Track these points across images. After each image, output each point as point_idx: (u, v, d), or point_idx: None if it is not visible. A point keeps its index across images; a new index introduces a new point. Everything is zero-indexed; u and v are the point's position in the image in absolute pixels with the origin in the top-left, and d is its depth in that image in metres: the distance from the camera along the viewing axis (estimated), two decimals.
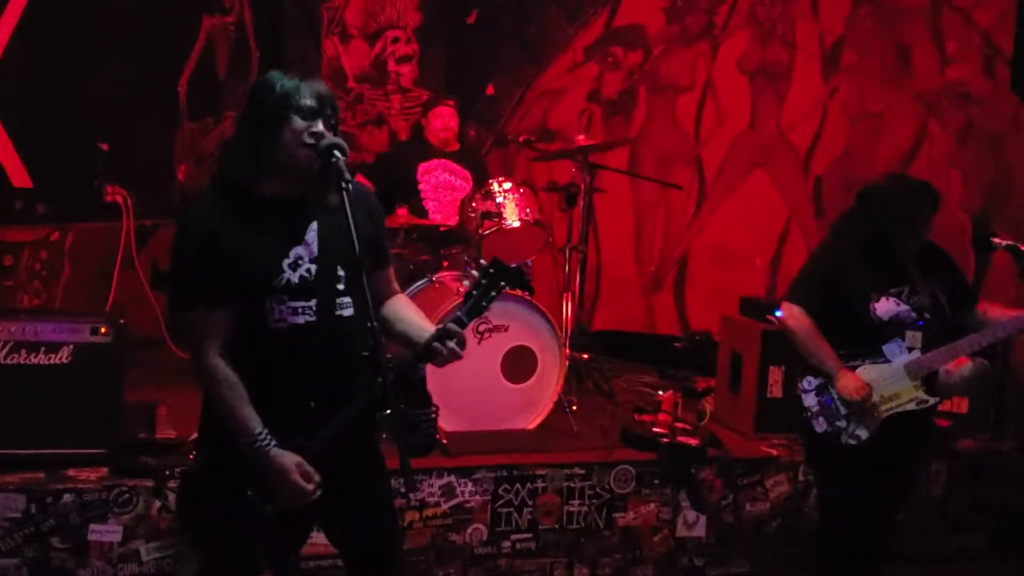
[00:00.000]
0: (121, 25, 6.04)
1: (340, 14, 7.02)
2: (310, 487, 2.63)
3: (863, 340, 3.78)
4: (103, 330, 4.21)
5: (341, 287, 2.70)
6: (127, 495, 4.10)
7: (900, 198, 3.73)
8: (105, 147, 5.97)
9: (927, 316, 3.76)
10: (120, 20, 6.03)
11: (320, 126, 2.63)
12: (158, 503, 4.13)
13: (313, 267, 2.68)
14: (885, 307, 3.74)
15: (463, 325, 2.69)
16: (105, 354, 4.21)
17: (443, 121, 5.98)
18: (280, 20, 6.90)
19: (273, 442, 2.63)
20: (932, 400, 3.78)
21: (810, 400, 3.86)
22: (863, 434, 3.75)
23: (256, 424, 2.63)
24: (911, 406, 3.75)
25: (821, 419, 3.82)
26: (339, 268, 2.70)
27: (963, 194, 6.67)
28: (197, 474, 2.85)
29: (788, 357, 5.16)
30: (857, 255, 3.78)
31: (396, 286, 3.00)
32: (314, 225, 2.69)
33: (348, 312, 2.71)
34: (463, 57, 7.14)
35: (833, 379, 3.77)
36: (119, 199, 5.99)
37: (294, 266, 2.66)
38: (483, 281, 2.71)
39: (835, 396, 3.78)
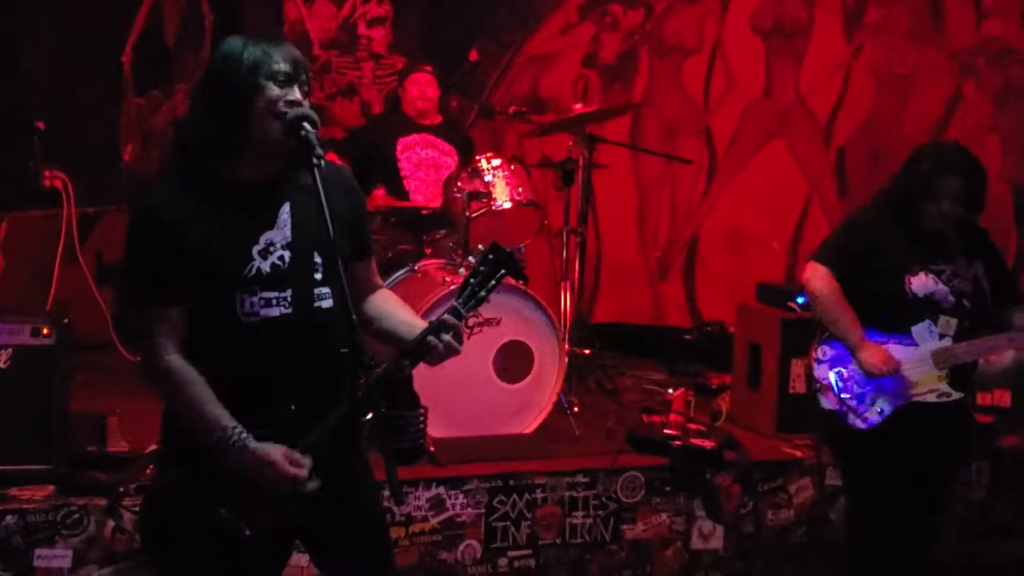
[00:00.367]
0: None
1: None
2: (303, 473, 2.62)
3: (892, 317, 3.80)
4: (45, 331, 4.20)
5: (318, 276, 2.69)
6: (77, 515, 4.10)
7: (925, 159, 3.77)
8: (41, 126, 5.98)
9: (966, 303, 3.79)
10: None
11: (297, 93, 2.63)
12: (112, 523, 4.13)
13: (287, 253, 2.67)
14: (922, 283, 3.77)
15: (460, 317, 2.68)
16: (48, 358, 4.19)
17: (419, 88, 5.99)
18: None
19: (247, 434, 2.62)
20: (955, 395, 3.80)
21: (822, 372, 3.90)
22: (873, 418, 3.79)
23: (227, 419, 2.60)
24: (931, 397, 3.79)
25: (830, 394, 3.86)
26: (316, 255, 2.69)
27: (1003, 163, 6.73)
28: (162, 490, 2.85)
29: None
30: (895, 223, 3.80)
31: (379, 279, 3.00)
32: (286, 207, 2.68)
33: (327, 303, 2.70)
34: (442, 19, 7.15)
35: (856, 350, 3.79)
36: (58, 184, 5.98)
37: (265, 253, 2.65)
38: (481, 268, 2.71)
39: (850, 371, 3.82)
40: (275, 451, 2.60)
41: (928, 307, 3.78)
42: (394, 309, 2.90)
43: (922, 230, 3.79)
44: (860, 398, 3.83)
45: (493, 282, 2.71)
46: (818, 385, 3.91)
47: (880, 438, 3.80)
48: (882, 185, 3.97)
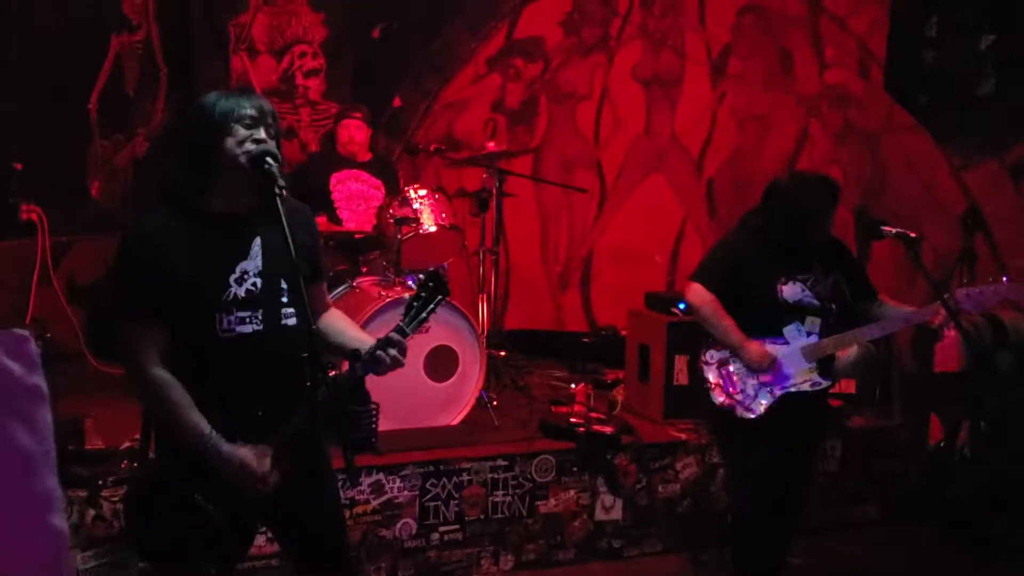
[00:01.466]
0: (30, 44, 5.90)
1: (247, 31, 6.94)
2: (266, 469, 2.63)
3: (765, 320, 3.84)
4: None
5: (285, 299, 2.72)
6: None
7: (805, 193, 3.82)
8: (19, 167, 5.83)
9: (829, 305, 3.85)
10: (29, 40, 5.89)
11: (262, 133, 2.64)
12: (92, 512, 4.05)
13: (259, 280, 2.69)
14: (791, 291, 3.82)
15: (405, 335, 2.73)
16: None
17: (348, 133, 5.98)
18: (187, 38, 6.81)
19: (222, 439, 2.62)
20: (825, 382, 3.86)
21: (711, 373, 3.92)
22: (758, 408, 3.82)
23: (205, 425, 2.62)
24: (805, 387, 3.84)
25: (719, 391, 3.89)
26: (282, 280, 2.72)
27: (844, 190, 6.90)
28: (143, 481, 2.82)
29: (693, 346, 5.30)
30: (763, 245, 3.85)
31: (328, 300, 3.05)
32: (258, 240, 2.70)
33: (292, 321, 2.73)
34: (370, 70, 7.11)
35: (738, 350, 3.83)
36: (34, 217, 5.85)
37: (240, 280, 2.67)
38: (422, 293, 2.76)
39: (734, 370, 3.86)
40: (246, 451, 2.61)
41: (797, 311, 3.83)
42: (345, 327, 2.93)
43: (788, 247, 3.84)
44: (745, 393, 3.86)
45: (432, 306, 2.76)
46: (709, 384, 3.93)
47: (761, 424, 3.84)
48: (747, 210, 4.02)
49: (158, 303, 2.61)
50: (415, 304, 2.76)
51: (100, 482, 4.10)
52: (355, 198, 5.91)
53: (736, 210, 7.41)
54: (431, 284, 2.77)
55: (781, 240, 3.84)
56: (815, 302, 3.84)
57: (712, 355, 3.95)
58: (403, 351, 2.73)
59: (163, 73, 6.79)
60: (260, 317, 2.67)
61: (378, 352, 2.70)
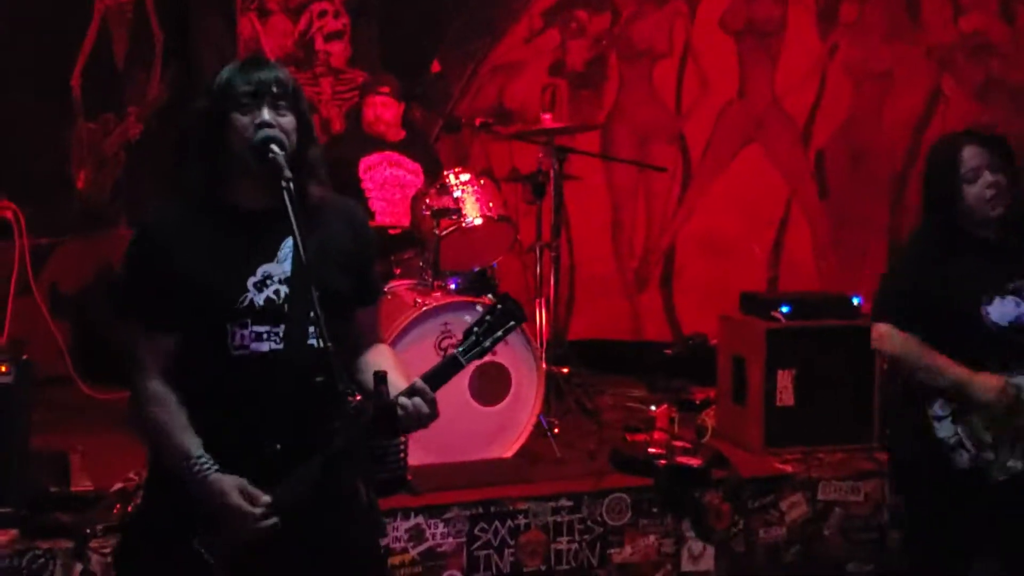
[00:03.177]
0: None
1: None
2: (256, 511, 2.65)
3: (979, 357, 3.51)
4: (2, 369, 4.20)
5: (311, 314, 2.63)
6: (42, 559, 4.08)
7: (934, 154, 3.68)
8: None
9: None
10: None
11: (266, 114, 2.66)
12: (80, 566, 4.10)
13: (284, 289, 2.69)
14: (1002, 311, 3.51)
15: (459, 367, 2.67)
16: (6, 396, 4.19)
17: (373, 112, 6.04)
18: None
19: (215, 467, 2.65)
20: None
21: (946, 429, 3.56)
22: (1017, 464, 3.51)
23: (195, 447, 2.64)
24: None
25: (963, 453, 3.54)
26: (314, 291, 2.63)
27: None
28: (134, 526, 2.88)
29: (799, 359, 5.31)
30: (944, 248, 3.58)
31: (380, 331, 2.97)
32: (288, 241, 2.68)
33: (315, 342, 2.67)
34: (402, 30, 7.17)
35: (966, 386, 3.49)
36: (8, 215, 5.95)
37: (261, 285, 2.67)
38: (488, 318, 2.70)
39: (975, 421, 3.52)
40: (229, 482, 2.62)
41: (1017, 335, 3.51)
42: (381, 366, 2.79)
43: (981, 245, 3.56)
44: (992, 449, 3.54)
45: (500, 333, 2.69)
46: (946, 446, 3.57)
47: (1008, 490, 3.53)
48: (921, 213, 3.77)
49: (162, 308, 2.65)
50: (476, 330, 2.69)
51: (88, 530, 4.15)
52: (390, 186, 5.96)
53: (853, 188, 7.44)
54: (500, 307, 2.71)
55: (962, 236, 3.57)
56: None
57: (942, 405, 3.58)
58: (430, 402, 2.64)
59: (158, 40, 6.91)
60: (280, 335, 2.67)
61: (400, 399, 2.63)
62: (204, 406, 2.69)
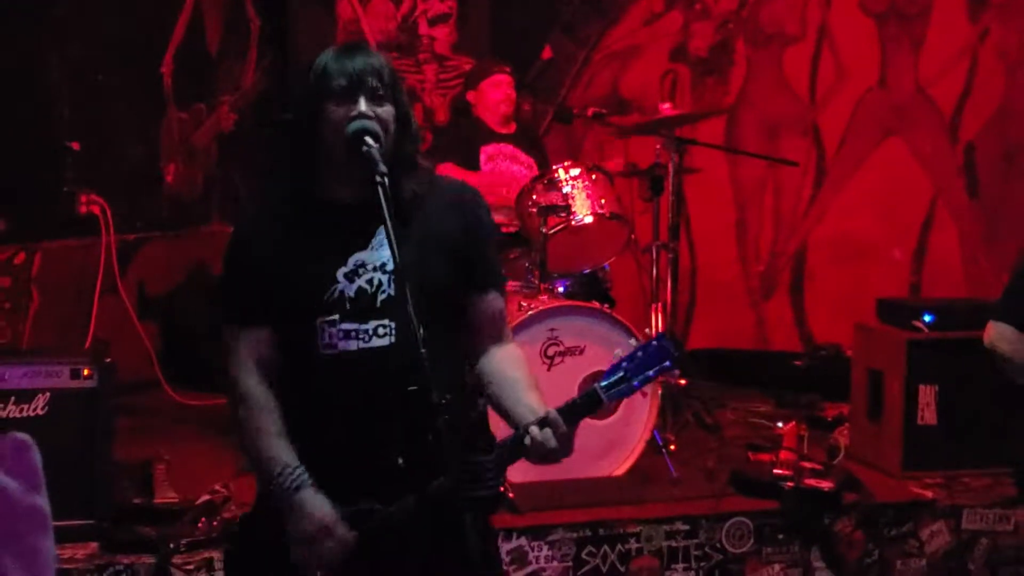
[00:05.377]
0: None
1: None
2: (336, 539, 2.64)
3: None
4: (86, 372, 4.28)
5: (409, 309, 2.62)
6: (123, 575, 4.18)
7: None
8: (76, 146, 6.09)
9: None
10: None
11: (363, 105, 2.66)
12: None
13: (377, 276, 2.70)
14: None
15: (600, 404, 2.65)
16: (89, 402, 4.27)
17: (503, 91, 6.01)
18: None
19: (307, 480, 2.65)
20: None
21: None
22: None
23: (286, 457, 2.66)
24: None
25: None
26: (408, 295, 2.61)
27: None
28: (238, 537, 2.94)
29: (943, 373, 5.20)
30: None
31: (506, 327, 2.92)
32: (383, 231, 2.64)
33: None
34: (511, 13, 7.22)
35: None
36: (95, 209, 6.09)
37: (352, 276, 2.70)
38: (639, 353, 2.68)
39: None
40: (319, 507, 2.63)
41: None
42: (511, 374, 2.80)
43: None
44: None
45: (651, 373, 2.67)
46: None
47: None
48: None
49: (257, 306, 2.72)
50: (625, 365, 2.66)
51: (172, 545, 4.23)
52: (508, 180, 5.94)
53: (1007, 187, 7.29)
54: (654, 343, 2.69)
55: None
56: None
57: None
58: (566, 441, 2.61)
59: (254, 26, 7.04)
60: (370, 332, 2.69)
61: (531, 430, 2.60)
62: (300, 412, 2.73)
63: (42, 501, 2.20)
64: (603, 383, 2.65)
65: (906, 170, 7.41)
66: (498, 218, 5.65)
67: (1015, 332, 3.70)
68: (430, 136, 6.91)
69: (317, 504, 2.64)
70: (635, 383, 2.65)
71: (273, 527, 2.71)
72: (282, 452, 2.68)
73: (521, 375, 2.80)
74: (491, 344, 2.86)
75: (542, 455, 2.62)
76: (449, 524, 2.59)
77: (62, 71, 6.04)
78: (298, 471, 2.66)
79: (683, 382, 6.02)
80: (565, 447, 2.62)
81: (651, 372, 2.65)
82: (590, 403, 2.65)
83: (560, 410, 2.63)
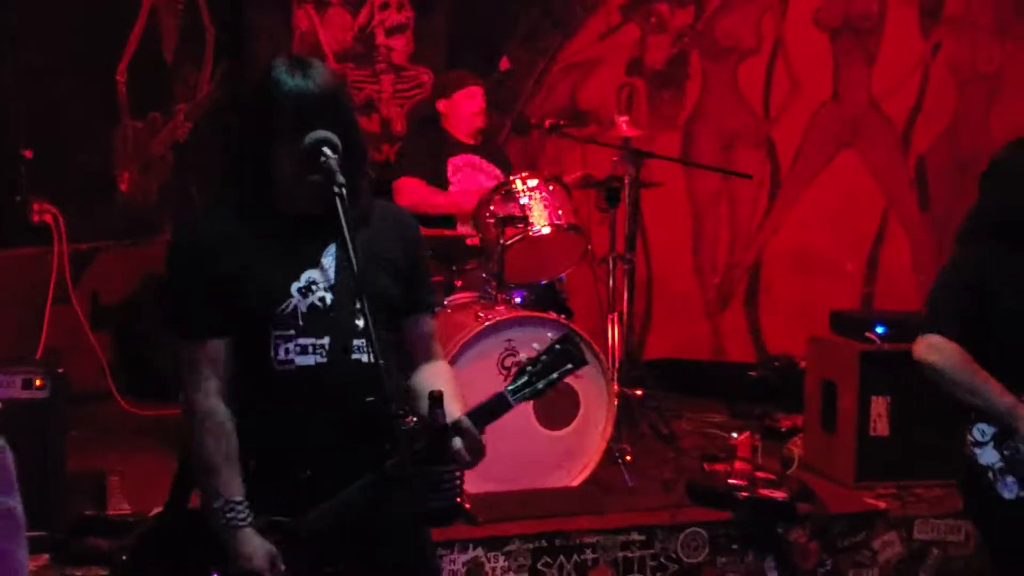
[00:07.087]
0: (38, 2, 6.11)
1: None
2: None
3: None
4: (38, 382, 4.24)
5: (359, 323, 2.69)
6: None
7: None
8: (29, 154, 6.04)
9: None
10: None
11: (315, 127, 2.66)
12: None
13: (328, 296, 2.71)
14: None
15: (508, 407, 2.70)
16: (41, 412, 4.24)
17: (476, 103, 5.99)
18: None
19: (248, 519, 2.65)
20: None
21: (989, 456, 3.57)
22: None
23: (233, 487, 2.66)
24: None
25: (1010, 480, 3.54)
26: (358, 303, 2.68)
27: None
28: (152, 536, 2.92)
29: (896, 385, 5.24)
30: (1003, 256, 3.60)
31: (437, 346, 2.98)
32: (332, 248, 2.72)
33: (365, 357, 2.70)
34: (469, 24, 7.21)
35: (1015, 418, 3.49)
36: (48, 218, 6.05)
37: (305, 292, 2.70)
38: (543, 357, 2.73)
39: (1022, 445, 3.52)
40: (258, 546, 2.64)
41: None
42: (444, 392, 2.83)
43: None
44: None
45: (555, 376, 2.73)
46: (991, 473, 3.57)
47: None
48: (965, 221, 3.81)
49: (208, 317, 2.68)
50: (529, 368, 2.72)
51: (124, 557, 4.19)
52: (475, 192, 5.91)
53: (958, 199, 7.34)
54: (558, 347, 2.74)
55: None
56: None
57: (983, 431, 3.60)
58: (475, 448, 2.68)
59: (209, 34, 7.00)
60: (326, 347, 2.69)
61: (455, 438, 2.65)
62: (248, 425, 2.71)
63: (15, 503, 2.15)
64: (510, 387, 2.71)
65: (859, 183, 7.46)
66: (465, 230, 5.68)
67: (943, 339, 3.57)
68: (386, 147, 6.91)
69: (255, 545, 2.65)
70: (539, 385, 2.72)
71: (179, 547, 2.72)
72: (230, 483, 2.66)
73: (448, 389, 2.80)
74: (422, 361, 2.91)
75: (460, 460, 2.68)
76: (394, 516, 2.67)
77: (15, 78, 5.98)
78: (239, 508, 2.65)
79: (639, 392, 6.05)
80: (479, 453, 2.69)
81: (555, 375, 2.72)
82: (497, 406, 2.70)
83: (469, 414, 2.68)
